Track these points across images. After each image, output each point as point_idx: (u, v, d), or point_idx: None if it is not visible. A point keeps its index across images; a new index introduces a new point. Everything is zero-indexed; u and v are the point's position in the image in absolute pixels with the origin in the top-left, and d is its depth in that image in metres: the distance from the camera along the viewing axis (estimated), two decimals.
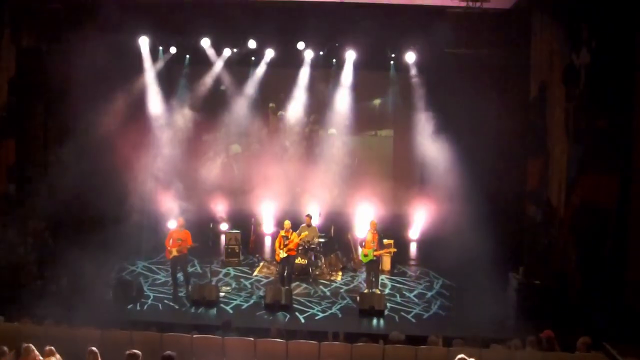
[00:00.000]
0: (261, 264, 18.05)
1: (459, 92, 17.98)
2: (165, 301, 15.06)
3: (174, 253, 15.47)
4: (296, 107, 20.61)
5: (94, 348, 9.62)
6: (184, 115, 20.59)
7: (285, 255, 15.68)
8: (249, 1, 17.09)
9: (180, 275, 15.75)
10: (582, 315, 13.46)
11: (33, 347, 9.64)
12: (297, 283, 16.42)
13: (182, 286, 15.77)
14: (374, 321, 14.40)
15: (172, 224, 19.31)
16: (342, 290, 16.20)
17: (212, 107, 20.30)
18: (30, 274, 15.42)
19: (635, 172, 13.56)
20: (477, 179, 18.03)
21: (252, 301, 15.29)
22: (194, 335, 11.44)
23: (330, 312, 14.83)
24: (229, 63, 19.70)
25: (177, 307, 14.84)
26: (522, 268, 15.03)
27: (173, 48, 19.25)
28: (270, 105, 21.41)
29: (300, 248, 16.57)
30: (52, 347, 9.84)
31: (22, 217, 16.36)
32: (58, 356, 9.84)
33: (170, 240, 15.60)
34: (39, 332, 11.24)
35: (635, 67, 13.42)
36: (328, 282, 16.74)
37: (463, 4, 14.83)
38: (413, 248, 20.22)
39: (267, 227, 20.63)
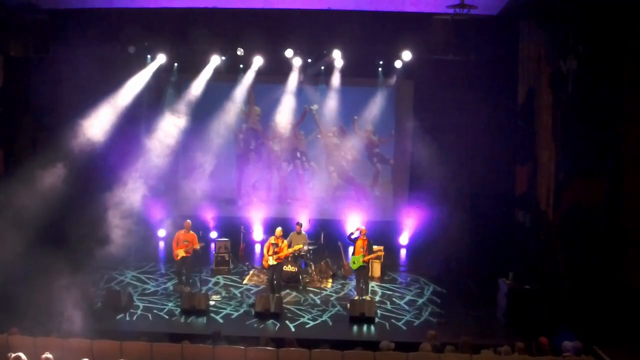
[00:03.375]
0: (251, 272, 18.01)
1: (447, 98, 18.07)
2: (155, 311, 15.00)
3: (182, 254, 16.19)
4: (285, 114, 20.64)
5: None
6: (173, 124, 20.57)
7: (273, 262, 15.66)
8: (237, 9, 17.09)
9: (183, 274, 16.53)
10: (572, 320, 13.51)
11: (24, 357, 9.59)
12: (287, 291, 16.38)
13: (183, 284, 16.41)
14: (365, 328, 14.39)
15: (161, 233, 19.33)
16: (332, 298, 16.18)
17: (201, 115, 20.28)
18: (19, 284, 15.29)
19: (623, 177, 13.65)
20: (466, 185, 18.12)
21: (242, 310, 15.24)
22: (184, 345, 11.41)
23: (320, 319, 14.80)
24: (217, 71, 19.67)
25: (167, 316, 14.78)
26: (511, 273, 15.06)
27: (161, 56, 19.21)
28: (259, 112, 21.44)
29: (290, 256, 16.54)
30: (50, 356, 9.79)
31: (11, 227, 16.27)
32: None
33: (177, 243, 16.32)
34: (28, 342, 11.18)
35: (622, 73, 13.53)
36: (318, 290, 16.72)
37: (450, 10, 14.89)
38: (403, 254, 20.25)
39: (257, 234, 20.62)
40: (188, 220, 16.73)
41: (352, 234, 16.01)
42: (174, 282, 16.72)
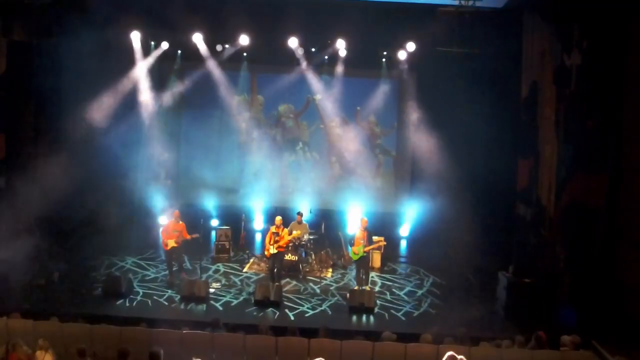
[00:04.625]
0: (251, 260, 18.03)
1: (451, 90, 18.04)
2: (155, 297, 15.02)
3: (172, 244, 15.93)
4: (287, 104, 20.63)
5: (83, 346, 9.60)
6: (175, 111, 20.59)
7: (275, 251, 15.68)
8: None
9: (174, 265, 16.30)
10: (571, 314, 13.53)
11: (22, 343, 9.63)
12: (287, 280, 16.41)
13: (176, 274, 16.20)
14: (364, 318, 14.42)
15: (162, 220, 19.35)
16: (332, 288, 16.20)
17: (204, 103, 20.29)
18: (20, 268, 15.35)
19: (625, 172, 13.65)
20: (468, 178, 18.11)
21: (241, 298, 15.27)
22: (184, 331, 11.44)
23: (320, 309, 14.83)
24: (220, 59, 19.65)
25: (166, 303, 14.81)
26: (511, 267, 15.07)
27: (165, 43, 19.19)
28: (262, 101, 21.43)
29: (290, 245, 16.58)
30: (46, 341, 9.83)
31: (12, 211, 16.30)
32: (50, 351, 9.82)
33: (167, 233, 16.05)
34: (28, 327, 11.21)
35: (625, 68, 13.51)
36: (318, 279, 16.74)
37: (455, 2, 14.85)
38: (403, 246, 20.28)
39: (258, 223, 20.64)
40: (176, 210, 16.51)
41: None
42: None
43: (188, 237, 16.03)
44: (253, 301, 14.85)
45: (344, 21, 16.92)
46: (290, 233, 16.37)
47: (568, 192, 14.52)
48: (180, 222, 16.13)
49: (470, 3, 14.80)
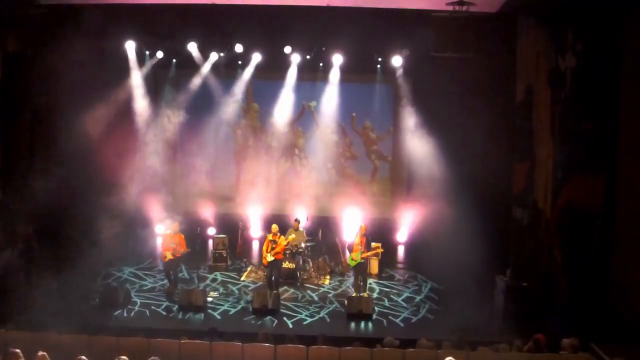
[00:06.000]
0: (249, 268, 18.01)
1: (446, 95, 18.03)
2: (153, 307, 14.99)
3: (169, 256, 15.89)
4: (283, 111, 20.61)
5: (83, 357, 9.55)
6: (171, 120, 20.55)
7: (272, 259, 15.66)
8: (235, 5, 17.07)
9: (172, 276, 16.19)
10: (569, 317, 13.52)
11: (20, 354, 9.58)
12: (285, 288, 16.39)
13: (173, 285, 16.11)
14: (362, 325, 14.39)
15: (159, 229, 19.32)
16: (330, 295, 16.18)
17: (199, 111, 20.25)
18: (17, 279, 15.31)
19: (621, 174, 13.66)
20: (464, 182, 18.08)
21: (239, 306, 15.25)
22: (182, 341, 11.40)
23: (318, 316, 14.81)
24: (215, 67, 19.65)
25: (164, 313, 14.78)
26: (509, 270, 15.06)
27: (159, 52, 19.18)
28: (257, 108, 21.41)
29: (287, 252, 16.55)
30: (45, 353, 9.79)
31: (9, 222, 16.26)
32: None
33: (165, 244, 16.09)
34: (26, 338, 11.17)
35: (620, 70, 13.52)
36: (316, 287, 16.71)
37: (449, 7, 14.87)
38: (401, 251, 20.25)
39: (255, 231, 20.60)
40: (177, 222, 16.43)
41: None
42: None
43: (184, 249, 15.96)
44: (251, 309, 14.83)
45: (338, 27, 16.92)
46: (286, 239, 16.34)
47: (565, 194, 14.52)
48: (179, 234, 16.07)
49: (465, 8, 14.82)
